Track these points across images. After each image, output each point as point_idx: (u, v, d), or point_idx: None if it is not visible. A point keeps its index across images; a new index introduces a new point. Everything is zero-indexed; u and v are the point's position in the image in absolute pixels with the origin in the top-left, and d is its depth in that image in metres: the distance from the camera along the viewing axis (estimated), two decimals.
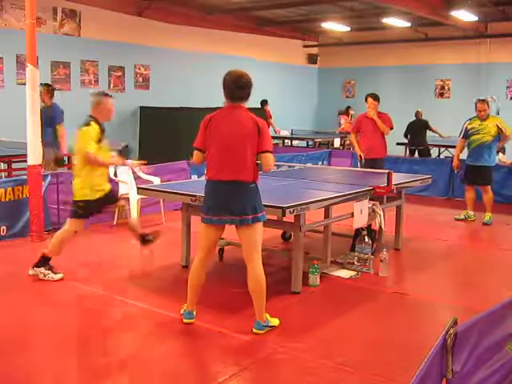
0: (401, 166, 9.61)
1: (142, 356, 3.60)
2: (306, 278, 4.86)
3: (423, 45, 15.85)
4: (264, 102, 13.98)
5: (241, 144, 3.75)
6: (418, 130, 12.08)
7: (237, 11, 13.53)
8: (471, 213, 7.79)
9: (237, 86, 3.76)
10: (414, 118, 12.27)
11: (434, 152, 12.74)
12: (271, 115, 14.15)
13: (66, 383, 3.27)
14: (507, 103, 15.19)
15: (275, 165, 8.20)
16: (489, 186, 7.72)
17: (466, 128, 7.67)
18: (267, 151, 3.79)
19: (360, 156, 7.50)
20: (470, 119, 7.75)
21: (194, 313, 4.05)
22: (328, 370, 3.40)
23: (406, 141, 12.27)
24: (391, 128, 7.37)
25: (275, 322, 4.00)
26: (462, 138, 7.74)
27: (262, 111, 13.18)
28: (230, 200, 3.78)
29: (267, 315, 3.95)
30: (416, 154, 11.94)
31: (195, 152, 3.97)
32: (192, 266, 4.05)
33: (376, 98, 7.39)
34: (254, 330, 3.88)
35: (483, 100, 7.57)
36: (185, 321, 4.03)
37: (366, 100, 7.47)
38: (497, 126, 7.46)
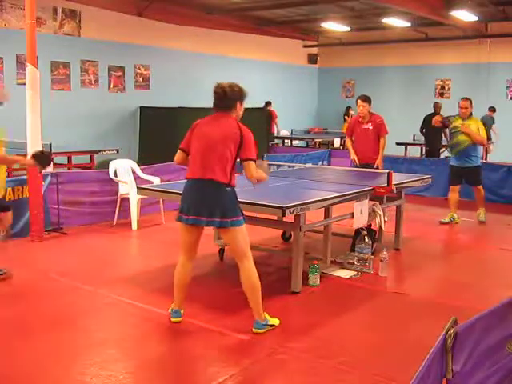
0: (401, 166, 9.62)
1: (141, 356, 3.60)
2: (305, 278, 4.86)
3: (423, 45, 15.86)
4: (268, 104, 14.14)
5: (219, 144, 3.77)
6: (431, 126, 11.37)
7: (237, 11, 13.53)
8: (456, 215, 7.67)
9: (215, 97, 3.88)
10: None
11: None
12: (276, 115, 14.32)
13: (64, 382, 3.28)
14: (507, 103, 15.21)
15: (275, 165, 8.34)
16: (480, 186, 7.68)
17: (450, 127, 7.64)
18: (248, 159, 3.79)
19: (354, 160, 7.15)
20: (453, 116, 7.65)
21: (182, 312, 4.08)
22: (328, 370, 3.40)
23: (405, 141, 11.81)
24: (386, 133, 7.06)
25: (275, 321, 4.00)
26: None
27: (265, 111, 13.31)
28: (201, 200, 3.80)
29: (266, 314, 3.96)
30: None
31: (178, 151, 4.02)
32: (176, 266, 4.07)
33: (366, 99, 7.01)
34: (254, 330, 3.88)
35: (466, 98, 7.50)
36: (172, 320, 4.05)
37: (356, 102, 7.19)
38: (478, 128, 7.37)
